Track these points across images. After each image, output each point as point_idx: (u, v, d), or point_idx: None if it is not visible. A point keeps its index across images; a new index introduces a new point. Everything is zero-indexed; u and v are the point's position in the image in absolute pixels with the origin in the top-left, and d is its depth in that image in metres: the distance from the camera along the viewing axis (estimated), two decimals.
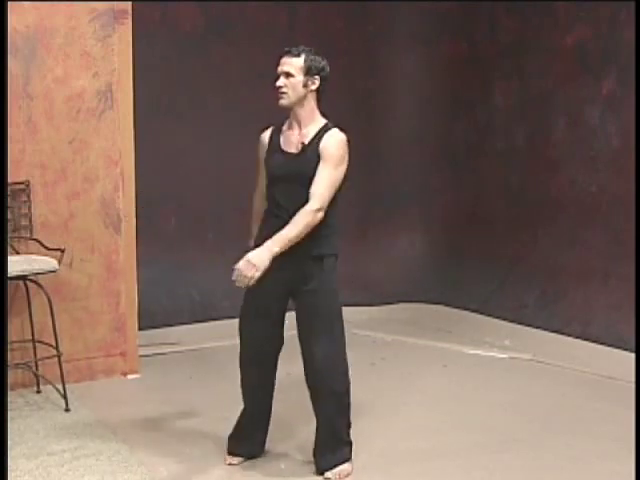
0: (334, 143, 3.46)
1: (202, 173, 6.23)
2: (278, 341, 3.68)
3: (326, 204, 3.41)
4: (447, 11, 6.68)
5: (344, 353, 3.64)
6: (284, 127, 3.59)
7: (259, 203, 3.74)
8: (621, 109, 5.41)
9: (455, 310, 6.57)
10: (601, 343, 5.39)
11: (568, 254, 5.83)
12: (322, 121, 3.55)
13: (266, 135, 3.65)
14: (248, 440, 3.79)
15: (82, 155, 4.86)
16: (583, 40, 5.65)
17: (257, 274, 3.26)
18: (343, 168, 3.49)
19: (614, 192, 5.48)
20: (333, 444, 3.64)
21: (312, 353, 3.55)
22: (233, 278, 3.27)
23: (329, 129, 3.51)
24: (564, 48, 5.78)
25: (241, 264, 3.27)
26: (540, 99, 6.03)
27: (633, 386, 4.72)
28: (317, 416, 3.65)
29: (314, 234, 3.42)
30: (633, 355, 5.01)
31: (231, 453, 3.79)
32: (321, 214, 3.39)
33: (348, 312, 6.28)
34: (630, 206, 5.22)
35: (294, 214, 3.40)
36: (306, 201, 3.39)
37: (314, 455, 3.68)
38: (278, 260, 3.36)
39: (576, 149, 5.78)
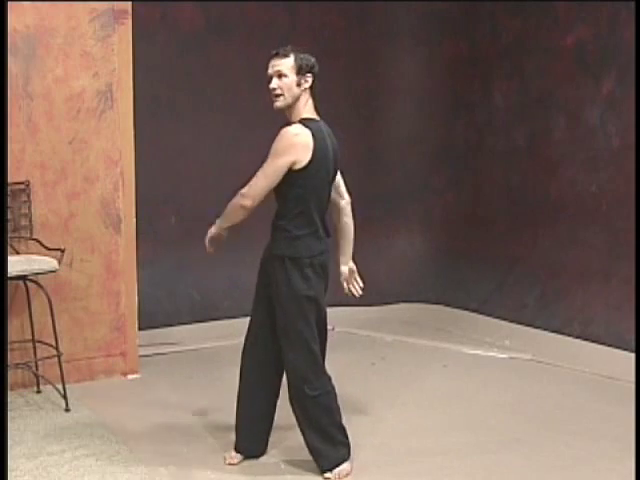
0: (277, 136, 3.42)
1: (202, 173, 6.23)
2: (275, 342, 3.67)
3: (255, 192, 3.41)
4: (447, 11, 6.69)
5: (307, 360, 3.54)
6: None
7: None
8: (621, 109, 5.41)
9: (455, 310, 6.57)
10: (601, 343, 5.39)
11: (568, 254, 5.83)
12: (307, 116, 3.49)
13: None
14: (251, 440, 3.80)
15: (82, 155, 4.86)
16: (583, 40, 5.65)
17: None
18: (281, 161, 3.38)
19: (614, 192, 5.48)
20: (328, 444, 3.61)
21: (283, 360, 3.60)
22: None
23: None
24: (564, 48, 5.78)
25: None
26: (540, 99, 6.03)
27: (633, 386, 4.72)
28: (300, 420, 3.62)
29: (278, 233, 3.51)
30: (633, 355, 5.02)
31: (236, 449, 3.79)
32: (246, 201, 3.42)
33: (348, 312, 6.32)
34: (630, 206, 5.23)
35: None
36: (278, 204, 3.53)
37: (313, 458, 3.67)
38: (262, 259, 3.61)
39: (576, 149, 5.78)
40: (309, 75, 3.47)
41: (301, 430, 3.64)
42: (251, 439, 3.79)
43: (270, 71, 3.47)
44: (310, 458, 3.70)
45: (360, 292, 3.82)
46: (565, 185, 5.87)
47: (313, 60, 3.49)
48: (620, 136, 5.43)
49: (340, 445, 3.65)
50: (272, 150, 3.42)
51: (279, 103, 3.46)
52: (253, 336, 3.69)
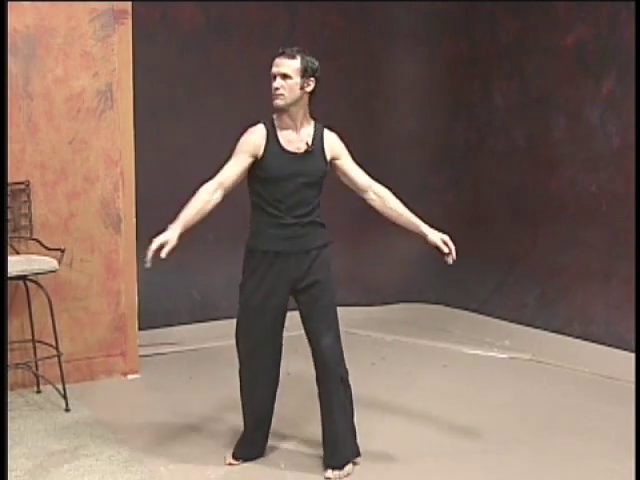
0: (339, 141, 3.67)
1: (202, 173, 6.21)
2: (279, 341, 3.68)
3: None
4: (447, 11, 6.69)
5: (340, 343, 3.69)
6: (277, 126, 3.55)
7: (210, 194, 3.66)
8: (621, 109, 5.41)
9: (455, 310, 6.57)
10: (601, 343, 5.39)
11: (568, 254, 5.83)
12: (312, 121, 3.60)
13: (262, 133, 3.55)
14: (251, 445, 3.80)
15: (82, 155, 4.86)
16: (583, 40, 5.65)
17: None
18: None
19: (614, 192, 5.48)
20: (352, 434, 3.68)
21: (320, 344, 3.58)
22: None
23: (323, 128, 3.62)
24: (564, 48, 5.78)
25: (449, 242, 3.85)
26: (540, 99, 6.03)
27: (633, 386, 4.72)
28: (332, 409, 3.62)
29: (316, 225, 3.57)
30: (633, 355, 5.02)
31: (234, 457, 3.78)
32: None
33: (348, 312, 6.31)
34: (630, 206, 5.23)
35: (295, 213, 3.52)
36: (309, 199, 3.56)
37: (330, 449, 3.65)
38: (282, 257, 3.52)
39: (576, 149, 5.78)
40: (312, 79, 3.48)
41: (328, 420, 3.63)
42: (257, 442, 3.79)
43: (274, 70, 3.46)
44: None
45: None
46: (565, 185, 5.87)
47: (318, 64, 3.50)
48: (620, 136, 5.43)
49: (350, 443, 3.68)
50: (345, 150, 3.71)
51: (280, 102, 3.46)
52: (262, 338, 3.63)
